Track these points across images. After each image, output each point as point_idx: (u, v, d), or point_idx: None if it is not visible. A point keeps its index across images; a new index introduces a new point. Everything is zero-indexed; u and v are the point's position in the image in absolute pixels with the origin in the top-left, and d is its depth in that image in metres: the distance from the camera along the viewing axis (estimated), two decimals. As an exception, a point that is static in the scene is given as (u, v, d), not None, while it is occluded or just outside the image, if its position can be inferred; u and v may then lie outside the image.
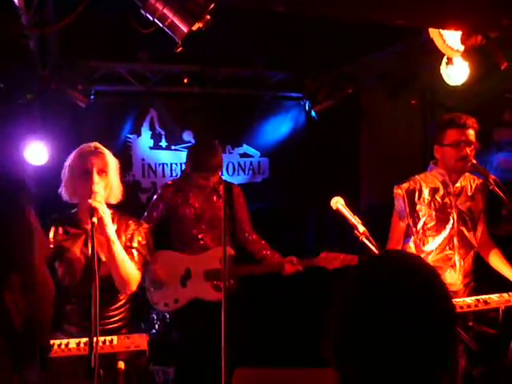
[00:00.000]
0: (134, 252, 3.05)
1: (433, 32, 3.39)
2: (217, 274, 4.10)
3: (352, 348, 1.14)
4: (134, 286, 3.02)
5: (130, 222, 3.19)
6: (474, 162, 3.48)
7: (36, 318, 2.00)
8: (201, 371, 4.13)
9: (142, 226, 3.24)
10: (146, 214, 4.30)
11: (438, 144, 3.60)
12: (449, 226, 3.60)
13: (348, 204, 2.92)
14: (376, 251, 2.74)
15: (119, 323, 3.05)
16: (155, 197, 4.39)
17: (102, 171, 2.98)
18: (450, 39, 3.39)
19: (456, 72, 3.77)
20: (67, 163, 3.05)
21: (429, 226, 3.62)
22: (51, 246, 2.95)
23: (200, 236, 4.23)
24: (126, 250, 2.98)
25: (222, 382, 2.15)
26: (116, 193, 3.08)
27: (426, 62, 4.82)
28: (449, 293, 1.23)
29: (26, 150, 4.96)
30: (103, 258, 2.93)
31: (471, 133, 3.52)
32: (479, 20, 2.96)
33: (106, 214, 2.86)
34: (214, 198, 4.27)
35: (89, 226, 2.83)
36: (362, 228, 2.79)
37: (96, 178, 2.92)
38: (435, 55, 3.95)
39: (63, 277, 2.96)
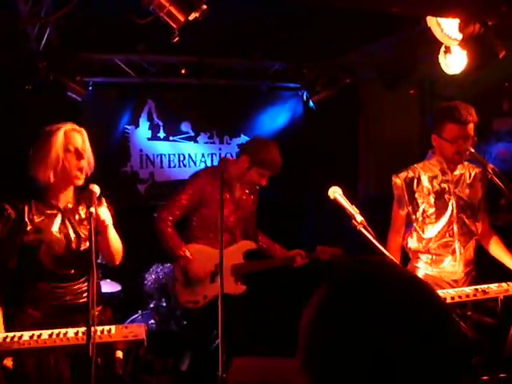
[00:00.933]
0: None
1: (431, 21, 3.37)
2: (241, 268, 4.12)
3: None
4: (120, 258, 3.19)
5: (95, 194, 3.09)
6: (473, 150, 3.45)
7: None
8: (201, 361, 4.14)
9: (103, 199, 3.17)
10: (175, 198, 4.09)
11: (437, 134, 3.57)
12: (448, 213, 3.59)
13: (346, 194, 2.91)
14: (374, 240, 2.74)
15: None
16: (191, 181, 4.16)
17: (84, 149, 3.01)
18: (447, 28, 3.38)
19: (454, 61, 3.75)
20: (44, 142, 2.97)
21: (428, 213, 3.61)
22: (28, 227, 2.92)
23: (234, 230, 4.17)
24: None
25: (219, 371, 2.17)
26: (91, 167, 3.09)
27: (423, 52, 4.80)
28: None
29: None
30: (82, 235, 3.00)
31: (471, 127, 3.48)
32: (477, 7, 2.95)
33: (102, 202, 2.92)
34: (248, 192, 4.24)
35: (62, 205, 2.99)
36: (359, 218, 2.77)
37: (84, 158, 2.99)
38: (433, 45, 3.93)
39: (45, 258, 2.94)
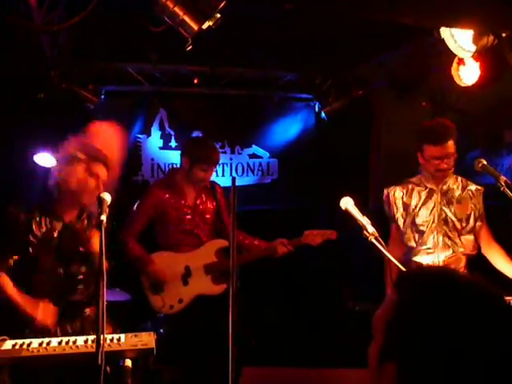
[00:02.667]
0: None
1: (444, 32, 3.37)
2: (216, 266, 4.14)
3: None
4: None
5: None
6: (485, 162, 3.46)
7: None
8: (208, 369, 4.12)
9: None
10: (133, 213, 4.20)
11: (419, 153, 3.64)
12: (429, 226, 3.65)
13: (357, 205, 2.91)
14: (385, 251, 2.73)
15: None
16: (144, 196, 4.29)
17: (104, 180, 3.13)
18: (461, 40, 3.38)
19: (467, 73, 3.75)
20: (65, 165, 3.10)
21: (410, 224, 3.67)
22: (35, 236, 3.05)
23: (196, 231, 4.22)
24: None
25: (229, 381, 2.15)
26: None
27: (436, 64, 4.79)
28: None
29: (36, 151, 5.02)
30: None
31: (450, 145, 3.51)
32: (491, 18, 2.94)
33: None
34: (204, 194, 4.29)
35: (68, 219, 3.13)
36: (371, 228, 2.77)
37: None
38: (445, 56, 3.94)
39: (47, 267, 3.06)
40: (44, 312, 2.98)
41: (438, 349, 1.06)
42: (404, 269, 2.70)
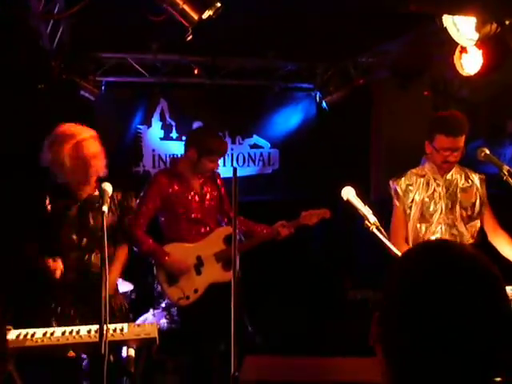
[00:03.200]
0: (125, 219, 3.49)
1: (447, 20, 3.35)
2: (225, 253, 4.15)
3: (405, 337, 1.11)
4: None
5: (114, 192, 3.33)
6: (488, 152, 3.46)
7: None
8: (211, 358, 4.13)
9: (127, 194, 3.58)
10: (139, 205, 4.08)
11: (429, 142, 3.63)
12: (436, 216, 3.65)
13: (358, 195, 2.90)
14: (387, 242, 2.72)
15: None
16: (148, 186, 4.22)
17: (96, 156, 3.30)
18: (464, 28, 3.35)
19: (470, 62, 3.73)
20: (56, 147, 3.24)
21: (418, 215, 3.67)
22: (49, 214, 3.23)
23: (204, 219, 4.21)
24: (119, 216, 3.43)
25: (231, 369, 2.15)
26: (103, 168, 3.38)
27: (438, 53, 4.77)
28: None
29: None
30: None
31: (461, 139, 3.52)
32: (494, 6, 2.92)
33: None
34: (209, 183, 4.28)
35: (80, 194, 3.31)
36: (372, 218, 2.75)
37: (92, 162, 3.28)
38: (447, 45, 3.91)
39: (67, 243, 3.24)
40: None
41: (430, 325, 1.07)
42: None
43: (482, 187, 3.73)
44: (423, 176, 3.73)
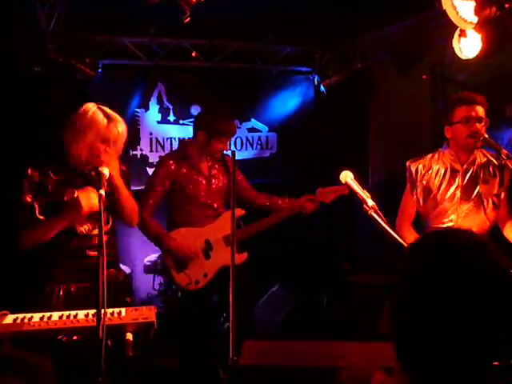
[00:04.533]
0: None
1: (446, 3, 3.32)
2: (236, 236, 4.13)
3: (413, 324, 1.12)
4: (136, 222, 3.42)
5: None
6: (486, 136, 3.45)
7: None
8: (210, 342, 4.14)
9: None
10: (146, 188, 4.14)
11: (448, 123, 3.59)
12: (450, 206, 3.62)
13: (357, 179, 2.89)
14: (385, 225, 2.72)
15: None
16: (156, 169, 4.24)
17: (117, 139, 3.16)
18: (463, 10, 3.32)
19: (468, 45, 3.70)
20: (83, 125, 3.09)
21: (433, 202, 3.65)
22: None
23: (212, 202, 4.19)
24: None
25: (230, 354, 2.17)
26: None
27: (437, 36, 4.75)
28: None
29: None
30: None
31: (480, 109, 3.48)
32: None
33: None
34: (217, 165, 4.25)
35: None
36: (371, 202, 2.75)
37: (115, 144, 3.13)
38: (446, 29, 3.88)
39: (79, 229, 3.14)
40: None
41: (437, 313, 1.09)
42: (404, 243, 2.69)
43: (506, 171, 3.63)
44: (442, 163, 3.68)
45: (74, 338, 2.66)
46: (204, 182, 4.17)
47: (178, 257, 4.04)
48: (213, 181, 4.20)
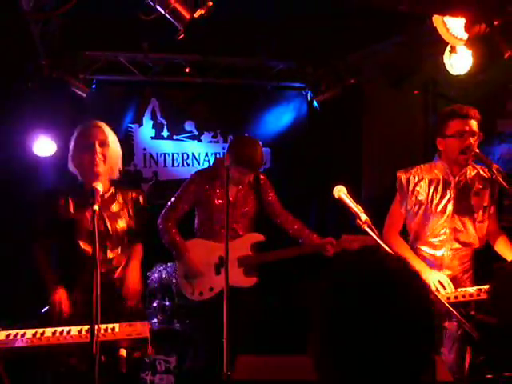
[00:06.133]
0: (139, 217, 3.56)
1: (436, 20, 3.36)
2: (250, 260, 4.13)
3: (332, 349, 1.14)
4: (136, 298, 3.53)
5: (130, 192, 3.58)
6: (477, 151, 3.47)
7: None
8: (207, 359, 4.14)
9: (141, 194, 3.67)
10: (173, 200, 4.23)
11: (441, 136, 3.60)
12: (441, 220, 3.62)
13: (350, 193, 2.91)
14: (378, 239, 2.74)
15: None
16: (186, 183, 4.30)
17: (104, 143, 3.33)
18: (453, 27, 3.37)
19: (459, 61, 3.75)
20: (72, 141, 3.38)
21: (423, 214, 3.66)
22: (65, 217, 3.29)
23: (233, 226, 4.18)
24: (134, 216, 3.50)
25: (223, 369, 2.16)
26: (117, 166, 3.45)
27: (428, 53, 4.79)
28: (427, 294, 1.24)
29: (33, 142, 5.09)
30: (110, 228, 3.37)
31: (474, 123, 3.50)
32: (483, 6, 2.93)
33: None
34: (247, 187, 4.26)
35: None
36: (364, 217, 2.77)
37: (98, 148, 3.29)
38: (438, 45, 3.93)
39: (85, 248, 3.27)
40: (60, 297, 3.15)
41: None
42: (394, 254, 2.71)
43: (496, 184, 3.64)
44: (433, 175, 3.68)
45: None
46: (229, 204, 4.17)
47: (187, 268, 4.11)
48: (238, 203, 4.21)
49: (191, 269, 4.10)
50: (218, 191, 4.17)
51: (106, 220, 3.37)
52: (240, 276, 4.14)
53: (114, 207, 3.44)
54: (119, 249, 3.42)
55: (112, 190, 3.48)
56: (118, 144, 3.50)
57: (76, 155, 3.32)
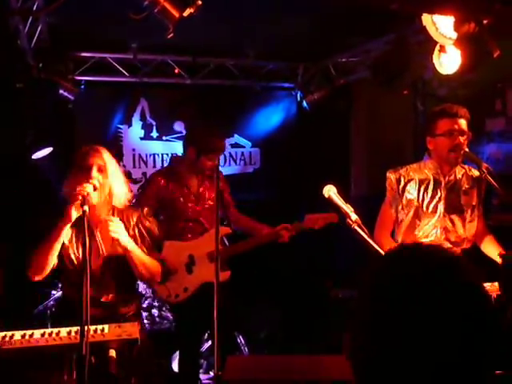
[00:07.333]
0: (147, 238, 3.20)
1: (426, 19, 3.37)
2: (220, 254, 4.12)
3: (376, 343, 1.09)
4: (158, 278, 3.30)
5: (130, 211, 3.24)
6: (467, 150, 3.47)
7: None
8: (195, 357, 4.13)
9: (143, 211, 3.33)
10: (136, 202, 4.08)
11: (431, 135, 3.59)
12: (432, 219, 3.62)
13: (339, 193, 2.90)
14: (368, 239, 2.73)
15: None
16: (145, 187, 4.30)
17: (101, 169, 3.01)
18: (442, 27, 3.37)
19: (448, 61, 3.75)
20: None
21: (413, 214, 3.65)
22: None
23: (200, 219, 4.19)
24: (138, 239, 3.14)
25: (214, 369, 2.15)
26: (119, 195, 3.11)
27: (417, 52, 4.80)
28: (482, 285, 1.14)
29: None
30: (104, 252, 3.07)
31: (463, 122, 3.51)
32: (473, 5, 2.95)
33: (120, 231, 2.96)
34: (207, 182, 4.25)
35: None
36: (354, 216, 2.76)
37: (95, 173, 2.97)
38: (427, 45, 3.94)
39: (77, 268, 3.01)
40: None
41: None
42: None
43: (483, 184, 3.62)
44: (423, 175, 3.67)
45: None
46: (193, 198, 4.19)
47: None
48: (201, 197, 4.21)
49: (170, 272, 4.03)
50: (178, 189, 4.17)
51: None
52: (213, 271, 4.13)
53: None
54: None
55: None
56: (120, 174, 3.19)
57: (72, 179, 3.02)
